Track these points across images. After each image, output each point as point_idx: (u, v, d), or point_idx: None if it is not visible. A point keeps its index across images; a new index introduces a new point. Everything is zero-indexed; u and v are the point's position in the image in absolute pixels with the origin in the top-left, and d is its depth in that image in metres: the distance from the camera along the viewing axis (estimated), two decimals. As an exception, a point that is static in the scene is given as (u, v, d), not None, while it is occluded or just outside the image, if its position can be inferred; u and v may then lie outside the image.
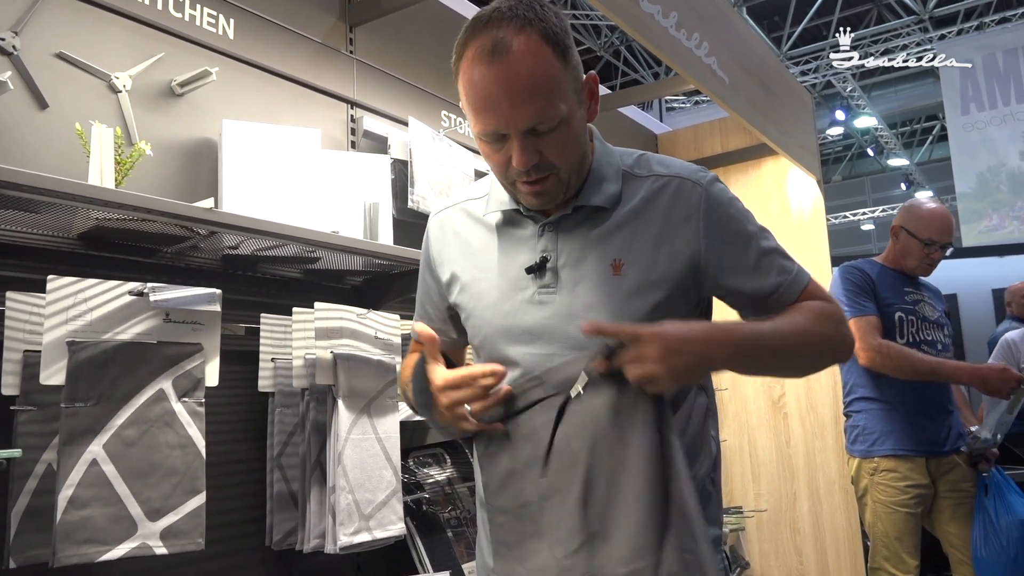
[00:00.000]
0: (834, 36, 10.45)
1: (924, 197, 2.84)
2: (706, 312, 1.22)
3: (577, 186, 1.13)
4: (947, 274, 4.59)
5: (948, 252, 2.73)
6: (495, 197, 1.19)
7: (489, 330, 1.16)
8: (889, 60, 8.64)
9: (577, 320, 1.08)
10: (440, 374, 1.10)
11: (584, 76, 1.10)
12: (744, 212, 1.19)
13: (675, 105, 12.15)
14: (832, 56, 9.00)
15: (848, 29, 8.53)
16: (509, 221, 1.18)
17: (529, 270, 1.13)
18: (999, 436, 2.55)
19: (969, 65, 8.78)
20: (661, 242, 1.11)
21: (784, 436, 3.54)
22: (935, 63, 8.36)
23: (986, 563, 2.50)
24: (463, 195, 1.28)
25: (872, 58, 8.84)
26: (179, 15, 1.88)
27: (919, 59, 8.38)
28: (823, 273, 3.49)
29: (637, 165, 1.18)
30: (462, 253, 1.22)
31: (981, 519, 2.54)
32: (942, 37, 10.00)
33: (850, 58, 8.56)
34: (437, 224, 1.28)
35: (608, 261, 1.10)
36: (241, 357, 1.87)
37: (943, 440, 2.59)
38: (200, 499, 1.50)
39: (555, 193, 1.09)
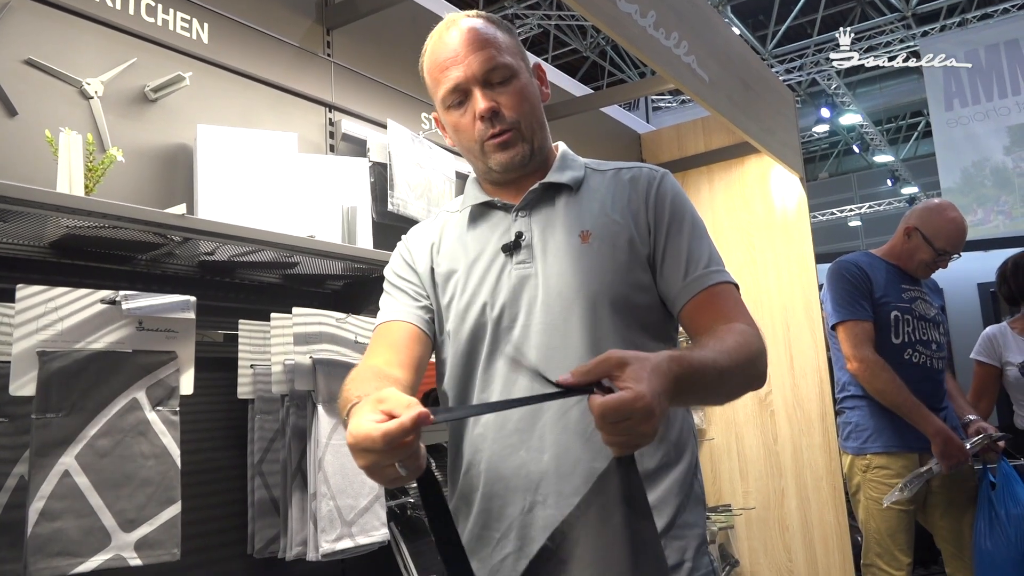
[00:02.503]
0: (819, 34, 10.52)
1: (945, 202, 2.76)
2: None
3: (540, 148, 1.23)
4: (932, 269, 4.60)
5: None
6: (469, 195, 1.30)
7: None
8: (889, 60, 8.70)
9: (551, 285, 1.16)
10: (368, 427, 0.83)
11: (530, 60, 1.27)
12: (689, 203, 1.26)
13: (661, 104, 12.17)
14: (832, 56, 9.07)
15: (849, 30, 8.59)
16: (481, 216, 1.27)
17: (505, 248, 1.21)
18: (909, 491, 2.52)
19: (969, 65, 8.82)
20: (623, 215, 1.21)
21: (772, 433, 3.54)
22: (934, 63, 8.43)
23: (991, 555, 2.49)
24: (437, 211, 1.40)
25: (872, 58, 8.89)
26: (151, 20, 1.86)
27: (918, 59, 8.44)
28: (807, 271, 3.49)
29: (600, 165, 1.30)
30: (438, 254, 1.30)
31: (986, 511, 2.53)
32: (925, 34, 10.06)
33: (850, 58, 8.63)
34: (410, 237, 1.37)
35: (576, 233, 1.19)
36: (220, 364, 1.86)
37: None
38: (175, 509, 1.48)
39: (519, 147, 1.19)
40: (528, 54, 1.28)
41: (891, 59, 8.58)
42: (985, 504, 2.54)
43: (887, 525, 2.55)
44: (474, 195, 1.29)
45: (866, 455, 2.60)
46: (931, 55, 8.48)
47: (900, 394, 2.50)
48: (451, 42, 1.18)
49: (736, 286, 1.19)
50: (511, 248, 1.20)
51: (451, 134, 1.24)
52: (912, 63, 8.57)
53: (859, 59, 8.61)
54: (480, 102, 1.16)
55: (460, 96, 1.18)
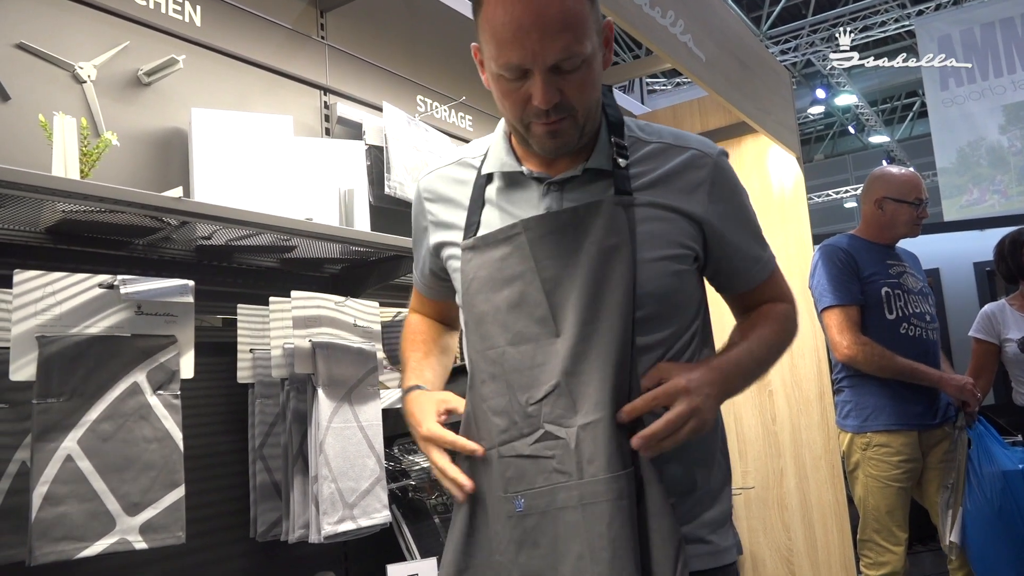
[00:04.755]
0: (813, 15, 10.47)
1: (885, 167, 2.89)
2: (702, 273, 1.21)
3: (591, 132, 1.11)
4: (929, 248, 4.60)
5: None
6: (495, 157, 1.17)
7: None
8: (889, 60, 8.68)
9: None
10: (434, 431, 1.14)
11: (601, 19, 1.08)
12: (744, 190, 1.22)
13: (656, 88, 12.11)
14: (832, 56, 9.04)
15: (848, 29, 8.54)
16: (511, 183, 1.15)
17: None
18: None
19: (969, 65, 8.78)
20: (669, 207, 1.11)
21: (770, 413, 3.55)
22: (935, 63, 8.42)
23: (971, 515, 2.53)
24: (456, 155, 1.25)
25: (872, 57, 8.87)
26: (144, 3, 1.84)
27: (917, 59, 8.42)
28: (804, 251, 3.49)
29: (642, 130, 1.17)
30: (451, 216, 1.21)
31: (967, 471, 2.56)
32: (920, 13, 10.01)
33: (850, 58, 8.63)
34: (424, 188, 1.26)
35: None
36: (219, 348, 1.85)
37: (934, 413, 2.62)
38: (179, 492, 1.49)
39: (570, 135, 1.07)
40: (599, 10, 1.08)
41: (891, 60, 8.54)
42: (967, 464, 2.58)
43: (886, 503, 2.57)
44: (501, 159, 1.16)
45: (866, 433, 2.61)
46: (931, 55, 8.46)
47: (895, 361, 2.54)
48: (526, 8, 0.97)
49: (776, 265, 1.27)
50: None
51: (494, 93, 1.09)
52: (912, 63, 8.55)
53: (859, 59, 8.60)
54: (543, 93, 1.01)
55: (519, 73, 1.02)
